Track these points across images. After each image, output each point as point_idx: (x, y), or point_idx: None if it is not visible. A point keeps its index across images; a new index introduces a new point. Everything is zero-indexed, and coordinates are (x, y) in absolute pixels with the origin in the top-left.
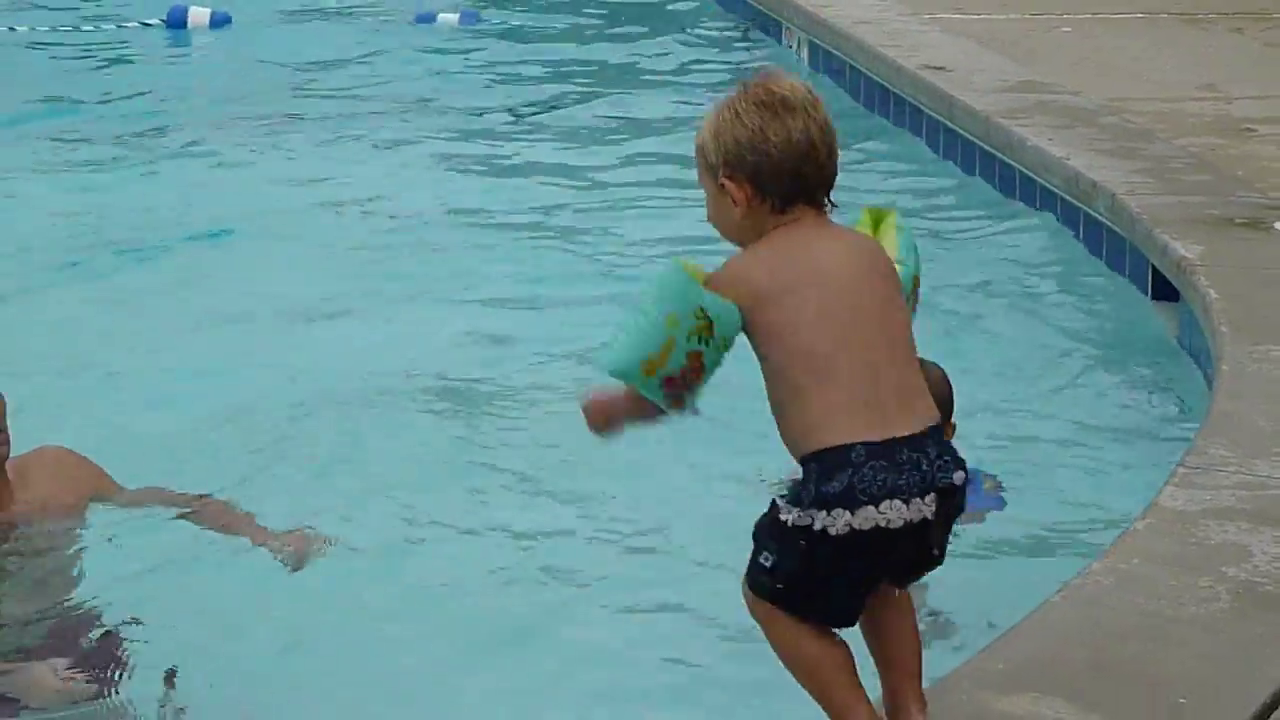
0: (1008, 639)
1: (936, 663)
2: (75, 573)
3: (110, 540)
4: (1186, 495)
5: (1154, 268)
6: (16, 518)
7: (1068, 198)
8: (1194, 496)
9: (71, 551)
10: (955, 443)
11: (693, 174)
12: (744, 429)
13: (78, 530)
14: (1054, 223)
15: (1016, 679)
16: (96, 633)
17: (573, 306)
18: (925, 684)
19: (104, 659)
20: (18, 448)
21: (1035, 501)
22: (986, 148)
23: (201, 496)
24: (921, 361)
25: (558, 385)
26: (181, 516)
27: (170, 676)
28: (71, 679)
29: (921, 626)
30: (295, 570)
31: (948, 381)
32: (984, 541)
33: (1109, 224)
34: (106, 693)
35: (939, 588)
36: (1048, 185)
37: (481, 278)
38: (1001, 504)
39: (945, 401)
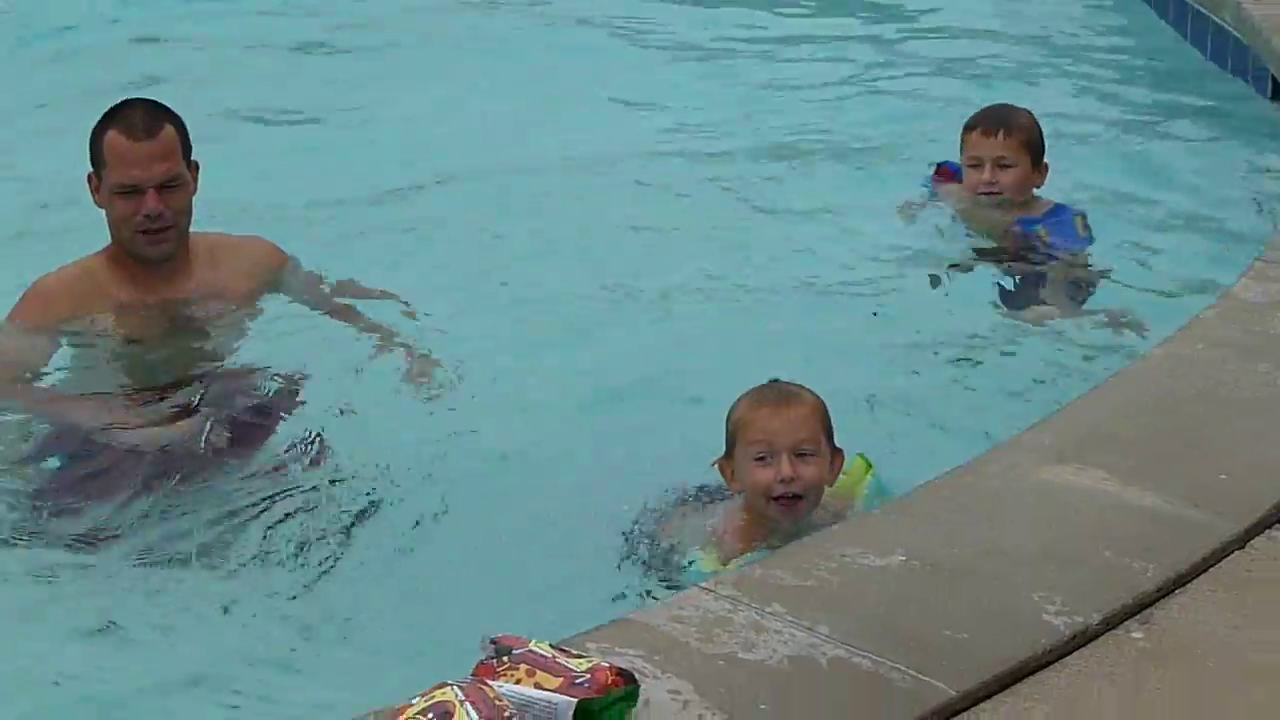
0: (1061, 414)
1: (994, 436)
2: (238, 355)
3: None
4: (1260, 288)
5: (1273, 77)
6: (192, 295)
7: (1199, 7)
8: (1267, 289)
9: (237, 336)
10: (1047, 189)
11: None
12: None
13: (247, 319)
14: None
15: (1063, 451)
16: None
17: None
18: (975, 456)
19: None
20: None
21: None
22: None
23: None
24: (1014, 108)
25: None
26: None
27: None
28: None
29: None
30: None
31: (1038, 126)
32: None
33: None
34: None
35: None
36: None
37: None
38: (1090, 242)
39: (1037, 142)
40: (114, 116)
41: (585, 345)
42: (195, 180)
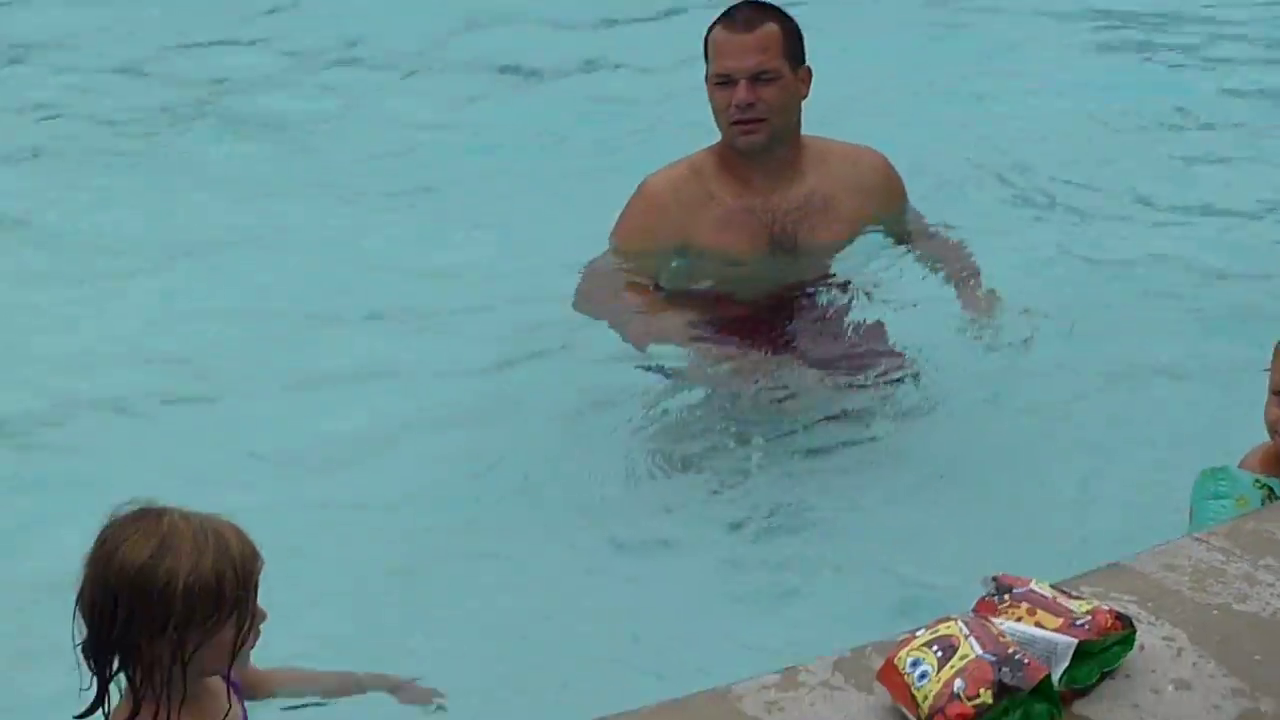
0: None
1: None
2: (834, 285)
3: None
4: None
5: None
6: (798, 202)
7: None
8: None
9: (837, 261)
10: None
11: None
12: None
13: (849, 242)
14: None
15: None
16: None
17: None
18: None
19: None
20: None
21: None
22: None
23: None
24: None
25: None
26: None
27: None
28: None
29: None
30: None
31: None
32: None
33: None
34: None
35: None
36: None
37: None
38: None
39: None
40: (723, 14)
41: None
42: (806, 84)
